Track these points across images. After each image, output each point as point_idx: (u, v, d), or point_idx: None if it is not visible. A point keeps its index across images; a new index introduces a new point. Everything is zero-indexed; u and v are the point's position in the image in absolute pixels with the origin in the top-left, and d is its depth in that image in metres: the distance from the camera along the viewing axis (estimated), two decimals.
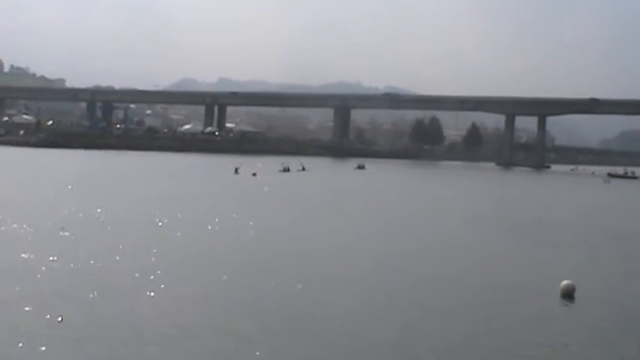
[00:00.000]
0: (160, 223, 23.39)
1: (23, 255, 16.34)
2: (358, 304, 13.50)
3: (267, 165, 65.01)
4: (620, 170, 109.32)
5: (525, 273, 18.06)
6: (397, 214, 30.73)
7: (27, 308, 11.92)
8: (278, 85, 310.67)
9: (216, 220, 24.98)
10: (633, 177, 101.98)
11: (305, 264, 17.49)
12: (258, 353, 10.23)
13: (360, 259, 18.70)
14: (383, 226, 26.75)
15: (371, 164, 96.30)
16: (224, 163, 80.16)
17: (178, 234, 21.09)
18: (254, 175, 53.87)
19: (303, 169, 61.14)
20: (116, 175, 51.40)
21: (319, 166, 75.08)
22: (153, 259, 16.59)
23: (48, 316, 11.54)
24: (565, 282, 15.48)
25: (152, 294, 13.27)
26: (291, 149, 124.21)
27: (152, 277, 14.63)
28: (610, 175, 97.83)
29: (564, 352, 11.33)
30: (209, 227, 23.22)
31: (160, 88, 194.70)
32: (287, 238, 21.98)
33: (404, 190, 49.86)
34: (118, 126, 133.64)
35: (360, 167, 76.25)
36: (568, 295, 15.13)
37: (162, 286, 13.95)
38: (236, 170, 54.64)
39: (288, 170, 57.98)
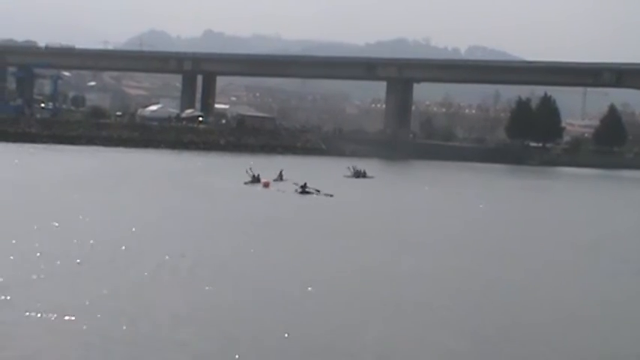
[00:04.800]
0: None
1: None
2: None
3: (275, 170, 66.64)
4: None
5: None
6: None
7: None
8: (298, 45, 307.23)
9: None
10: None
11: None
12: None
13: None
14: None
15: (434, 171, 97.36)
16: (221, 165, 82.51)
17: None
18: (266, 185, 59.09)
19: (281, 178, 64.86)
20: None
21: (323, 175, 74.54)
22: None
23: None
24: None
25: None
26: (317, 145, 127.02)
27: None
28: None
29: None
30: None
31: (110, 46, 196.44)
32: None
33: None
34: (43, 105, 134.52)
35: (358, 174, 77.08)
36: None
37: None
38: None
39: (258, 180, 61.86)
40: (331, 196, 55.28)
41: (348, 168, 77.45)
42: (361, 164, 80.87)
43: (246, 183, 61.01)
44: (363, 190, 65.12)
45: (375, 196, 62.10)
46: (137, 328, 18.77)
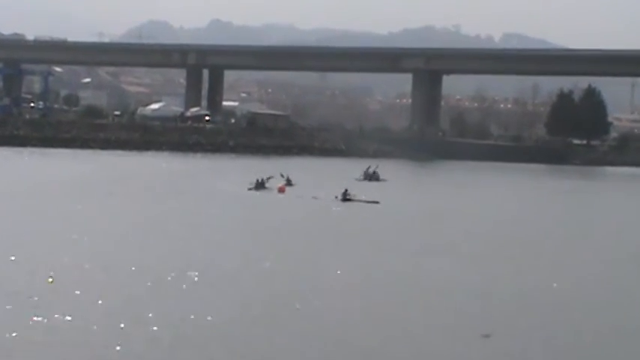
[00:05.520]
0: None
1: None
2: None
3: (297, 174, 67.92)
4: None
5: None
6: None
7: None
8: (314, 34, 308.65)
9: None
10: None
11: None
12: None
13: None
14: None
15: (465, 172, 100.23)
16: (231, 169, 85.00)
17: None
18: (281, 190, 60.64)
19: (289, 183, 66.33)
20: None
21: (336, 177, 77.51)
22: None
23: None
24: None
25: None
26: (336, 146, 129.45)
27: None
28: None
29: None
30: None
31: (106, 39, 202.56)
32: None
33: None
34: (33, 105, 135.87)
35: (370, 177, 78.98)
36: None
37: None
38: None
39: (263, 186, 63.27)
40: (377, 202, 56.53)
41: (358, 177, 79.23)
42: (384, 165, 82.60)
43: (249, 189, 61.73)
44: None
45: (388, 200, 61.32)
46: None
